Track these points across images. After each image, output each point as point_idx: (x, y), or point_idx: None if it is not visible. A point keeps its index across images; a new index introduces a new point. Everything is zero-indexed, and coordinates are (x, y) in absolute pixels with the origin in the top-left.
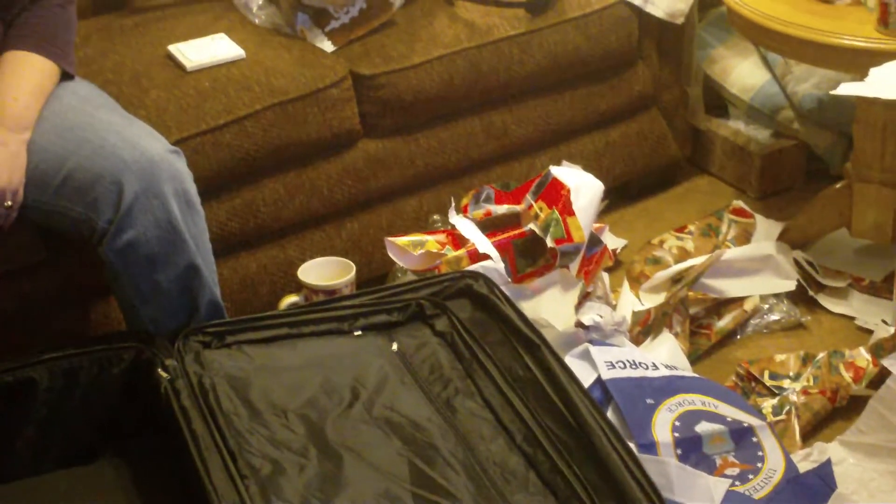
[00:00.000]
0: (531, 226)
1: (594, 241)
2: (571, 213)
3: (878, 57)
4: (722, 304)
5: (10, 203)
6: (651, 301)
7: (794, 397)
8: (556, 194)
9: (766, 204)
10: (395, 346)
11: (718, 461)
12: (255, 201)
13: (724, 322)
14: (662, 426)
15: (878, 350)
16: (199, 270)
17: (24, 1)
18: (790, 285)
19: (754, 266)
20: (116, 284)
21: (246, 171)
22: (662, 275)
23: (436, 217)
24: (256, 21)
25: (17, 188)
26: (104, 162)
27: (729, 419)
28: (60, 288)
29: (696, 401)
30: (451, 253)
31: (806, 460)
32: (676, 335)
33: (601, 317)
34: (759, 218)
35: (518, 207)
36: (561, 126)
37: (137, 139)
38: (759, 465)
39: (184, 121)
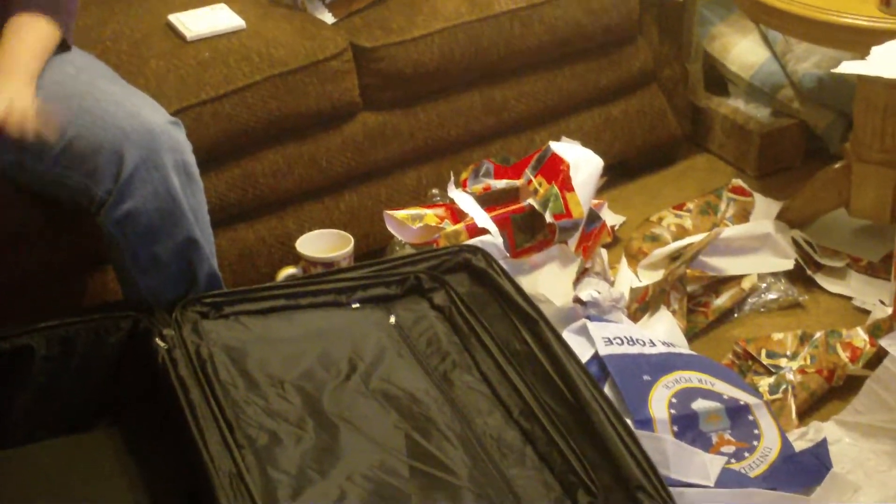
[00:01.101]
0: (530, 201)
1: (593, 217)
2: (570, 189)
3: (880, 36)
4: (720, 282)
5: (42, 132)
6: (649, 278)
7: (790, 376)
8: (555, 169)
9: (764, 183)
10: (392, 319)
11: (714, 438)
12: (253, 172)
13: (722, 300)
14: (659, 403)
15: (876, 330)
16: (197, 242)
17: None
18: (788, 264)
19: (752, 245)
20: (115, 255)
21: (245, 143)
22: (661, 252)
23: (435, 191)
24: None
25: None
26: (104, 132)
27: (725, 397)
28: (58, 258)
29: (693, 378)
30: (450, 227)
31: (802, 439)
32: (674, 312)
33: (599, 293)
34: (757, 196)
35: (517, 182)
36: (561, 101)
37: (138, 109)
38: (755, 443)
39: (183, 91)
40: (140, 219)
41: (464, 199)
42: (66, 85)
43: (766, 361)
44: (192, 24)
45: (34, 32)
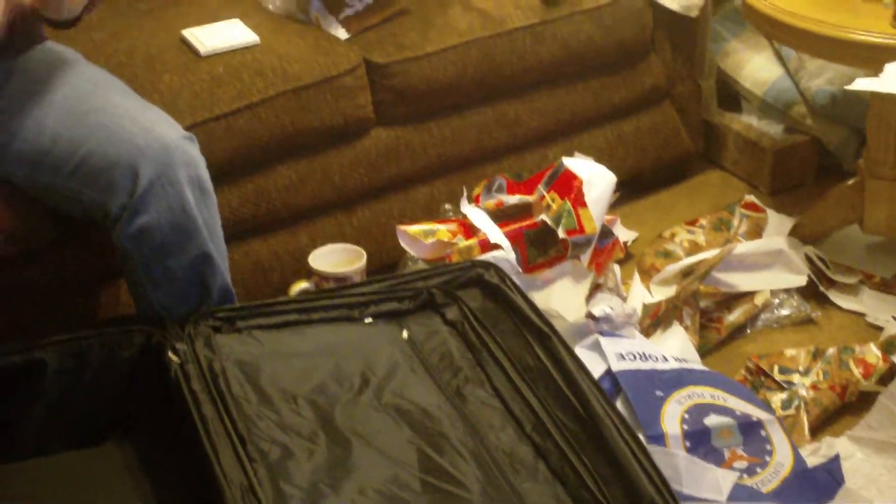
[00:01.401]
0: (543, 216)
1: (605, 232)
2: (583, 205)
3: (893, 53)
4: (732, 299)
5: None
6: (662, 294)
7: (803, 392)
8: (568, 185)
9: (777, 199)
10: (405, 334)
11: (727, 454)
12: (266, 187)
13: (735, 316)
14: (671, 418)
15: (889, 346)
16: (210, 257)
17: None
18: (801, 280)
19: (765, 261)
20: (128, 269)
21: (258, 158)
22: (673, 268)
23: (447, 206)
24: (271, 7)
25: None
26: (119, 147)
27: (738, 413)
28: (70, 271)
29: (706, 394)
30: (463, 242)
31: (814, 455)
32: (686, 328)
33: (612, 308)
34: (770, 213)
35: (530, 198)
36: (573, 117)
37: (152, 125)
38: (768, 458)
39: (197, 106)
40: (154, 234)
41: (476, 215)
42: (81, 101)
43: (778, 377)
44: (207, 39)
45: None
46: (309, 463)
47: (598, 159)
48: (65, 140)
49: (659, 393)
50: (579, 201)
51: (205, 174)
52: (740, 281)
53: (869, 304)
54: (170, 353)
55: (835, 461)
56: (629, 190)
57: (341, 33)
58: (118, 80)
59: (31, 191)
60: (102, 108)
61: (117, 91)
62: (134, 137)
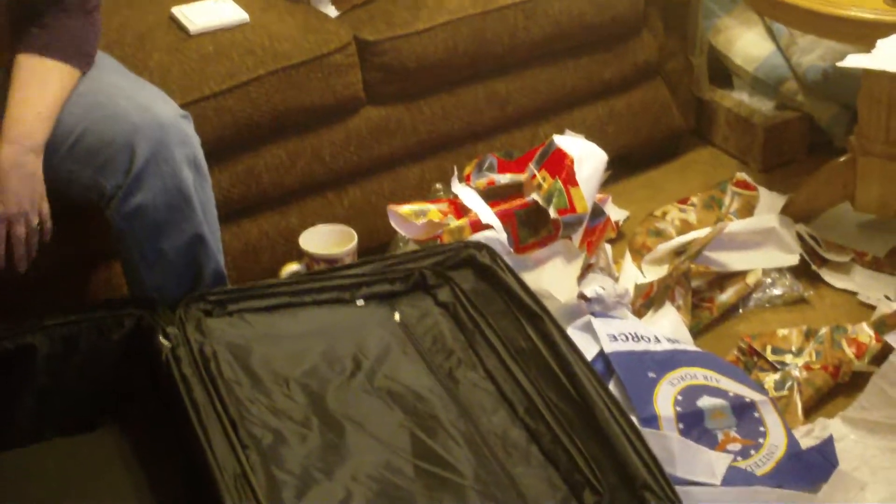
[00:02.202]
0: (534, 196)
1: (597, 211)
2: (575, 184)
3: (885, 29)
4: (724, 278)
5: (37, 222)
6: (653, 273)
7: (796, 372)
8: (559, 164)
9: (769, 176)
10: (397, 316)
11: (720, 436)
12: (256, 167)
13: (727, 296)
14: (664, 400)
15: (881, 326)
16: (204, 239)
17: (50, 8)
18: (793, 259)
19: (757, 239)
20: (122, 249)
21: (248, 137)
22: (665, 247)
23: (438, 186)
24: None
25: (41, 204)
26: (115, 126)
27: (731, 394)
28: (61, 253)
29: (699, 375)
30: (454, 222)
31: (808, 436)
32: (678, 308)
33: (603, 289)
34: (762, 191)
35: (521, 177)
36: (564, 95)
37: (149, 103)
38: (761, 440)
39: (187, 85)
40: (149, 213)
41: (467, 194)
42: None
43: (771, 358)
44: (196, 17)
45: (49, 86)
46: (301, 448)
47: (590, 137)
48: (60, 121)
49: (651, 374)
50: (570, 180)
51: (200, 154)
52: (732, 260)
53: (861, 282)
54: (160, 337)
55: (828, 442)
56: (620, 168)
57: (331, 11)
58: (112, 59)
59: None
60: (98, 88)
61: (112, 70)
62: (130, 116)
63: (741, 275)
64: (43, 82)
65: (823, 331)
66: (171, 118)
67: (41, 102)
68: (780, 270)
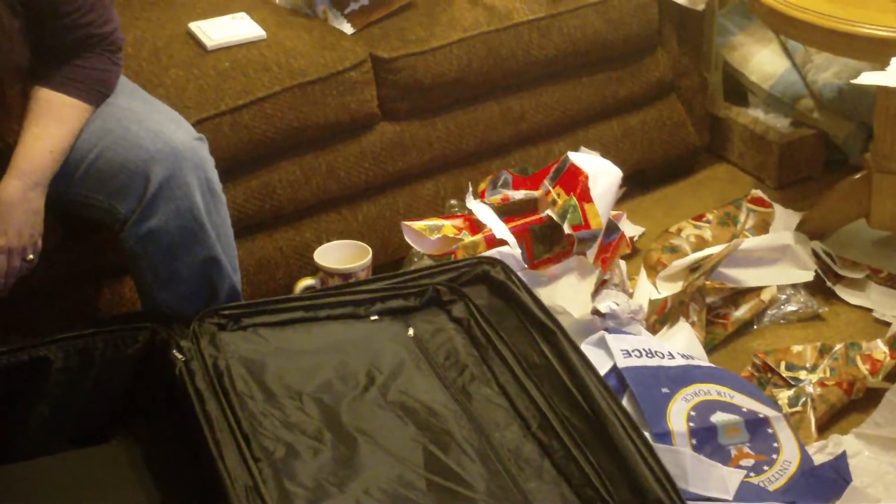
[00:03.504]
0: (548, 212)
1: (611, 228)
2: (589, 200)
3: None
4: (739, 294)
5: (31, 257)
6: (668, 289)
7: (810, 389)
8: (573, 180)
9: (784, 193)
10: (411, 332)
11: (733, 452)
12: (272, 183)
13: (741, 312)
14: (678, 416)
15: None
16: (218, 260)
17: (76, 47)
18: (808, 276)
19: (772, 256)
20: (135, 270)
21: (264, 153)
22: (680, 263)
23: (453, 202)
24: (277, 1)
25: (37, 241)
26: (127, 152)
27: (744, 410)
28: (74, 268)
29: (712, 391)
30: (468, 238)
31: (821, 452)
32: (693, 324)
33: (617, 304)
34: (777, 208)
35: (536, 193)
36: (579, 112)
37: (161, 127)
38: (774, 456)
39: (203, 101)
40: (162, 236)
41: (482, 210)
42: None
43: (785, 374)
44: (213, 33)
45: (64, 123)
46: (314, 462)
47: (604, 154)
48: (72, 146)
49: (665, 390)
50: (585, 196)
51: (214, 176)
52: (747, 276)
53: (876, 299)
54: (174, 351)
55: (842, 459)
56: (635, 185)
57: (347, 28)
58: (125, 78)
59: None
60: (110, 113)
61: (123, 91)
62: (143, 142)
63: (756, 291)
64: (59, 119)
65: (838, 347)
66: (185, 142)
67: (55, 139)
68: (794, 287)
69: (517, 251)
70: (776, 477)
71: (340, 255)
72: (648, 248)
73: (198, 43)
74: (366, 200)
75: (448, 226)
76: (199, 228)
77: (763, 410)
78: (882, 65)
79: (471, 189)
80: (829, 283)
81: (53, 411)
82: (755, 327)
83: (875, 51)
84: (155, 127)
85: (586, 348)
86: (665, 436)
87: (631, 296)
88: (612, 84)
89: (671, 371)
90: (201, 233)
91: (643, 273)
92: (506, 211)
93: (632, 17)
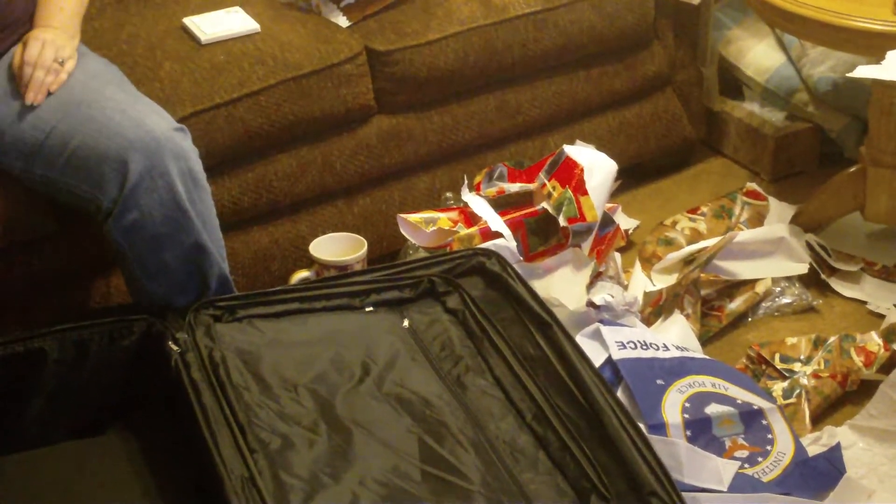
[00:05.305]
0: (544, 204)
1: (607, 220)
2: (584, 193)
3: (895, 40)
4: (734, 287)
5: (62, 61)
6: (663, 282)
7: (804, 381)
8: (569, 173)
9: (779, 186)
10: (406, 323)
11: (728, 443)
12: (267, 176)
13: (736, 304)
14: (672, 407)
15: (890, 335)
16: (205, 248)
17: None
18: (802, 268)
19: (767, 249)
20: (122, 262)
21: (259, 146)
22: (674, 256)
23: (448, 194)
24: None
25: (73, 56)
26: (108, 141)
27: (739, 402)
28: (68, 260)
29: (707, 382)
30: (464, 230)
31: (815, 444)
32: (688, 316)
33: (612, 297)
34: (772, 200)
35: (531, 186)
36: (575, 105)
37: (142, 117)
38: (769, 448)
39: (197, 94)
40: (146, 228)
41: (477, 203)
42: (73, 91)
43: (779, 366)
44: (207, 27)
45: None
46: (309, 453)
47: (600, 147)
48: (57, 132)
49: (660, 382)
50: (580, 189)
51: (196, 166)
52: (742, 269)
53: (870, 291)
54: (170, 343)
55: (836, 450)
56: (630, 178)
57: (342, 21)
58: (117, 71)
59: (28, 183)
60: (94, 101)
61: (111, 82)
62: (123, 130)
63: (750, 283)
64: None
65: (832, 339)
66: (165, 132)
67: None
68: (789, 279)
69: (512, 244)
70: (770, 468)
71: (336, 247)
72: (643, 241)
73: (192, 37)
74: (361, 193)
75: (443, 218)
76: (182, 217)
77: (757, 402)
78: (877, 58)
79: (466, 182)
80: (823, 276)
81: (49, 403)
82: (750, 319)
83: (870, 44)
84: (136, 116)
85: (581, 340)
86: (660, 427)
87: (626, 288)
88: (608, 77)
89: (666, 363)
90: (185, 221)
91: (638, 265)
92: (501, 204)
93: (627, 10)
